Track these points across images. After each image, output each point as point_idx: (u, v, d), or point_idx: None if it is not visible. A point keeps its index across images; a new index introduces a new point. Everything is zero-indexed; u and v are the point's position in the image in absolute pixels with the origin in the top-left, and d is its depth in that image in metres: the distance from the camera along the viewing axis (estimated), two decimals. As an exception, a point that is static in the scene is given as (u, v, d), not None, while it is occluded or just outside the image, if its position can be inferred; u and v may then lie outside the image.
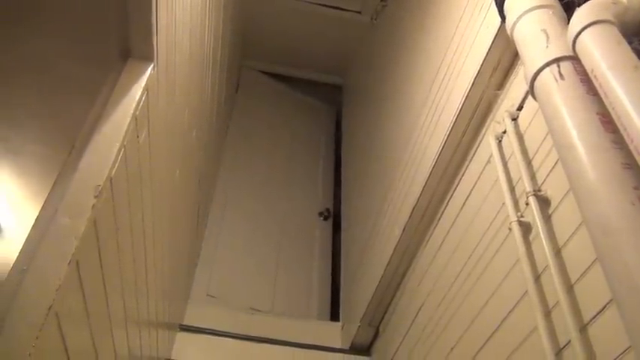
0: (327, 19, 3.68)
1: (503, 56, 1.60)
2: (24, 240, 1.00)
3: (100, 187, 1.06)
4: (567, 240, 1.21)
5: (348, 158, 3.70)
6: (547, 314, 1.22)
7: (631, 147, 0.86)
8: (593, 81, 0.98)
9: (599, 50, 0.98)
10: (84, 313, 1.10)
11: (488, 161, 1.65)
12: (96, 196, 1.04)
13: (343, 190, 3.66)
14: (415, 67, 2.43)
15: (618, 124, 0.90)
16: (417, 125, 2.16)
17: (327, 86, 4.34)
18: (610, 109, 0.93)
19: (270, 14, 3.74)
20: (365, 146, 3.18)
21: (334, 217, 3.59)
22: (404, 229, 2.08)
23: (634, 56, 0.95)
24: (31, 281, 0.92)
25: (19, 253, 0.95)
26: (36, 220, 1.01)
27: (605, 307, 1.04)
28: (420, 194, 1.97)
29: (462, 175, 1.84)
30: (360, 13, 3.62)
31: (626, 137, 0.87)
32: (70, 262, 0.95)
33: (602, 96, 0.95)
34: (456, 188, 1.87)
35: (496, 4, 1.42)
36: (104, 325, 1.29)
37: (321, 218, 3.55)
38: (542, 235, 1.25)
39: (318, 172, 3.85)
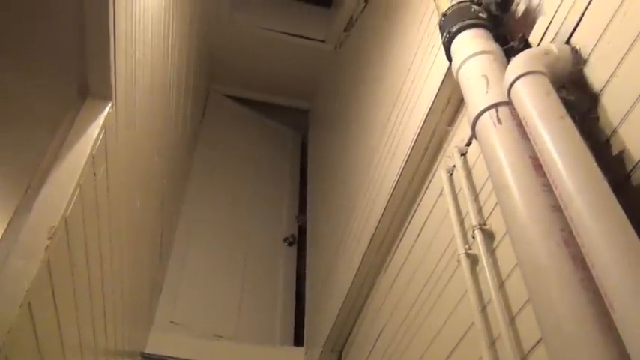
0: (293, 47, 3.76)
1: (454, 94, 1.68)
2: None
3: (55, 228, 1.07)
4: (509, 273, 1.27)
5: (314, 182, 3.75)
6: (492, 345, 1.27)
7: (555, 192, 0.93)
8: (525, 128, 1.06)
9: (529, 99, 1.05)
10: (36, 354, 1.11)
11: (441, 194, 1.71)
12: (50, 238, 1.05)
13: (309, 214, 3.70)
14: (376, 96, 2.51)
15: (545, 170, 0.97)
16: (377, 153, 2.22)
17: (293, 111, 4.41)
18: (538, 156, 1.00)
19: (238, 41, 3.79)
20: (330, 170, 3.24)
21: (299, 242, 3.62)
22: (363, 258, 2.13)
23: (561, 106, 1.02)
24: (-19, 325, 0.92)
25: (-29, 296, 0.96)
26: (-12, 261, 1.02)
27: (540, 339, 1.10)
28: (379, 223, 2.03)
29: (418, 206, 1.90)
30: (324, 42, 3.71)
31: (551, 182, 0.94)
32: (21, 304, 0.96)
33: (532, 142, 1.02)
34: (412, 218, 1.93)
35: (444, 47, 1.50)
36: (58, 362, 1.29)
37: (286, 244, 3.57)
38: (486, 268, 1.31)
39: (284, 197, 3.89)
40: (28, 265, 1.00)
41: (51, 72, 1.44)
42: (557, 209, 0.96)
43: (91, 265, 1.40)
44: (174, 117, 2.51)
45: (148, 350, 2.65)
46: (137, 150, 1.75)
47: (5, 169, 1.30)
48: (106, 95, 1.33)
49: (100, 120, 1.28)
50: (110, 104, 1.32)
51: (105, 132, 1.31)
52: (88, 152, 1.22)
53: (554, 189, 0.93)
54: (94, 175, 1.28)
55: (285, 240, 3.58)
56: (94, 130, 1.26)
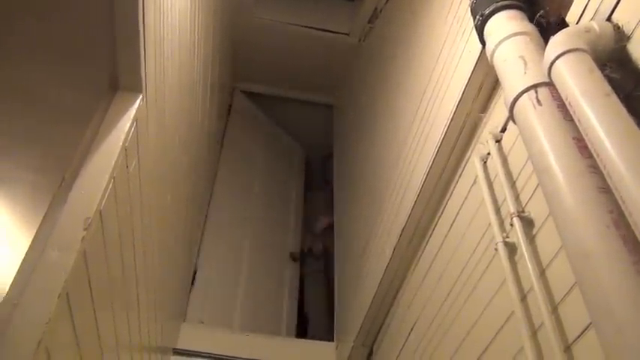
0: (316, 40, 3.73)
1: (486, 80, 1.64)
2: (15, 270, 1.01)
3: (90, 220, 1.07)
4: (551, 260, 1.23)
5: (341, 177, 3.73)
6: (533, 334, 1.23)
7: (604, 172, 0.89)
8: (568, 108, 1.02)
9: (572, 78, 1.01)
10: (74, 345, 1.11)
11: (475, 182, 1.68)
12: (85, 229, 1.05)
13: (335, 210, 3.68)
14: (402, 88, 2.47)
15: (591, 150, 0.92)
16: (406, 145, 2.19)
17: (318, 106, 4.39)
18: (584, 135, 0.96)
19: (260, 37, 3.79)
20: (357, 164, 3.21)
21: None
22: (394, 250, 2.10)
23: (605, 83, 0.98)
24: (21, 316, 0.93)
25: (10, 287, 0.96)
26: (26, 253, 1.03)
27: (587, 327, 1.06)
28: (410, 214, 1.99)
29: (450, 196, 1.86)
30: (348, 35, 3.67)
31: (599, 162, 0.90)
32: (59, 295, 0.96)
33: (576, 122, 0.98)
34: (444, 208, 1.90)
35: (476, 30, 1.46)
36: (95, 355, 1.29)
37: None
38: (526, 256, 1.27)
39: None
40: (64, 257, 1.00)
41: (81, 66, 1.44)
42: (605, 190, 0.92)
43: (125, 257, 1.41)
44: (201, 113, 2.52)
45: (180, 346, 2.67)
46: (167, 144, 1.75)
47: (39, 163, 1.30)
48: (136, 88, 1.33)
49: (132, 112, 1.28)
50: (141, 97, 1.33)
51: (136, 124, 1.31)
52: (121, 144, 1.22)
53: (602, 169, 0.89)
54: (127, 167, 1.29)
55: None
56: (126, 122, 1.26)
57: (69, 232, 1.05)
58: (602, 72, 1.03)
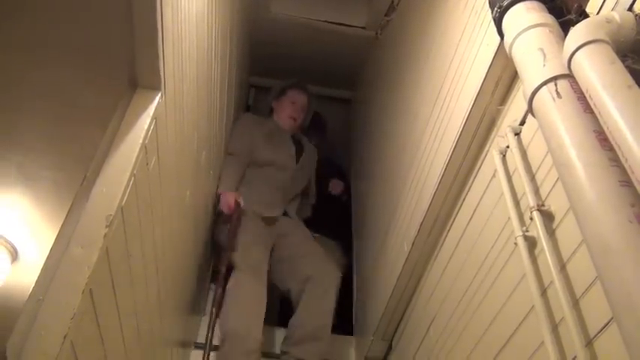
0: (333, 34, 3.72)
1: (505, 72, 1.62)
2: (40, 266, 1.03)
3: (112, 217, 1.09)
4: (571, 254, 1.22)
5: (358, 172, 3.73)
6: (554, 329, 1.22)
7: (625, 165, 0.87)
8: (588, 100, 1.00)
9: (592, 70, 0.99)
10: (98, 339, 1.14)
11: (494, 176, 1.66)
12: (107, 226, 1.07)
13: (354, 203, 3.68)
14: (420, 82, 2.46)
15: (612, 143, 0.91)
16: (423, 139, 2.18)
17: (335, 100, 4.37)
18: (605, 128, 0.94)
19: (276, 32, 3.79)
20: (375, 158, 3.20)
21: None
22: (413, 244, 2.09)
23: (627, 75, 0.97)
24: (46, 311, 0.95)
25: (35, 283, 0.99)
26: (51, 250, 1.05)
27: (609, 321, 1.05)
28: (428, 208, 1.98)
29: (469, 190, 1.85)
30: (364, 28, 3.66)
31: (620, 156, 0.89)
32: (83, 291, 0.98)
33: (597, 115, 0.97)
34: (462, 202, 1.89)
35: (495, 22, 1.45)
36: (118, 349, 1.32)
37: None
38: (546, 250, 1.26)
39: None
40: (87, 253, 1.02)
41: (102, 66, 1.47)
42: (626, 184, 0.91)
43: (146, 253, 1.43)
44: (219, 110, 2.53)
45: (201, 340, 2.70)
46: (185, 141, 1.77)
47: (61, 161, 1.33)
48: (155, 86, 1.34)
49: (151, 110, 1.30)
50: (159, 94, 1.34)
51: (155, 122, 1.33)
52: (140, 142, 1.24)
53: (623, 162, 0.88)
54: (147, 164, 1.30)
55: None
56: (145, 120, 1.28)
57: (92, 229, 1.07)
58: (624, 63, 1.02)
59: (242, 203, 2.77)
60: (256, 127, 3.20)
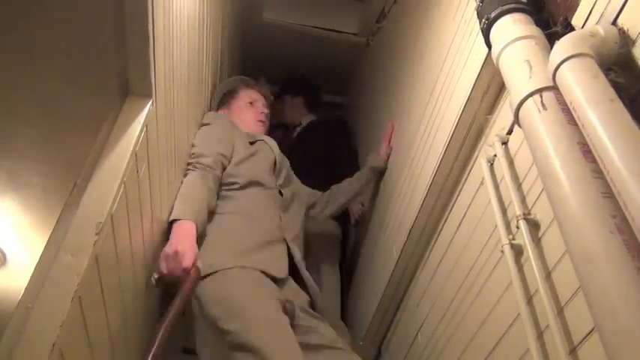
0: (324, 41, 3.74)
1: (493, 82, 1.64)
2: (29, 271, 1.04)
3: (102, 224, 1.10)
4: (556, 263, 1.24)
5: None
6: (539, 336, 1.24)
7: (607, 178, 0.89)
8: (572, 113, 1.02)
9: (576, 83, 1.02)
10: (87, 347, 1.14)
11: (481, 184, 1.68)
12: (97, 233, 1.08)
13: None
14: (410, 88, 2.48)
15: (595, 155, 0.93)
16: (414, 144, 2.20)
17: (327, 106, 4.39)
18: (587, 140, 0.96)
19: (268, 38, 3.80)
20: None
21: None
22: (402, 250, 2.11)
23: (610, 89, 0.99)
24: (35, 318, 0.96)
25: (25, 290, 0.99)
26: (40, 257, 1.06)
27: (592, 330, 1.07)
28: (417, 215, 2.00)
29: (457, 197, 1.87)
30: (356, 35, 3.68)
31: (602, 168, 0.91)
32: (72, 298, 0.99)
33: (580, 127, 0.99)
34: (451, 210, 1.91)
35: (482, 33, 1.47)
36: (107, 358, 1.32)
37: None
38: (532, 259, 1.28)
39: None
40: (77, 260, 1.03)
41: (92, 72, 1.47)
42: (608, 195, 0.93)
43: (136, 261, 1.43)
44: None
45: (188, 344, 2.69)
46: (176, 147, 1.77)
47: (52, 169, 1.33)
48: (146, 93, 1.35)
49: (141, 118, 1.31)
50: (150, 102, 1.35)
51: (146, 129, 1.33)
52: (131, 150, 1.24)
53: (605, 174, 0.90)
54: (137, 171, 1.31)
55: None
56: (136, 127, 1.28)
57: (81, 237, 1.07)
58: (607, 76, 1.04)
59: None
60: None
